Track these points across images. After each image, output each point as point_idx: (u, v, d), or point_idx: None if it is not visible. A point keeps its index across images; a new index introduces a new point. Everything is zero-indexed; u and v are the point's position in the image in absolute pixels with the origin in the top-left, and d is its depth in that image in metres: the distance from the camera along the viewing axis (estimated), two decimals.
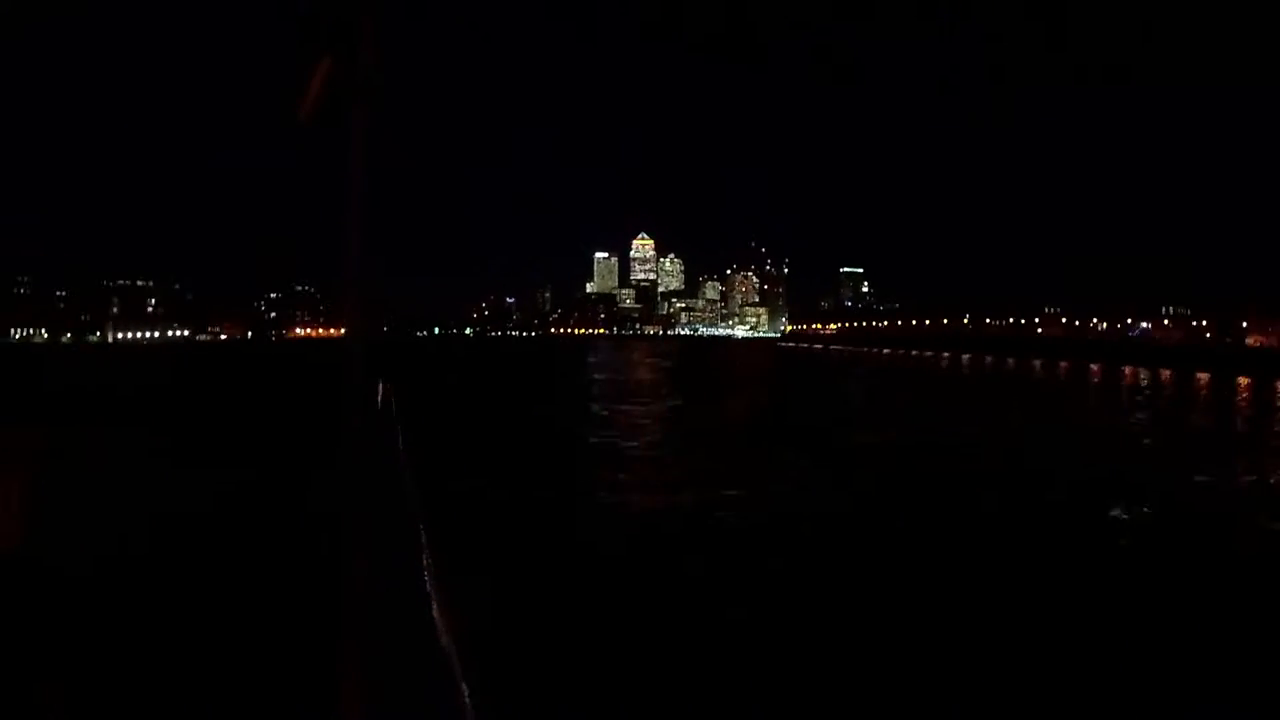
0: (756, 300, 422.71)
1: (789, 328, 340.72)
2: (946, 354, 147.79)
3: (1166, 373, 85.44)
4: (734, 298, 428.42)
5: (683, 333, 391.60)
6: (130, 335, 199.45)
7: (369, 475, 3.35)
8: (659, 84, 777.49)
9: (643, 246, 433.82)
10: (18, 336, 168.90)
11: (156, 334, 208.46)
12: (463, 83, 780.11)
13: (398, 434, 7.71)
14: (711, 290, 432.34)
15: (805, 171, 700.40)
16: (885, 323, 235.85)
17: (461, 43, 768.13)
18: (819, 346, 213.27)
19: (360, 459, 2.64)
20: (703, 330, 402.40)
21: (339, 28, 2.49)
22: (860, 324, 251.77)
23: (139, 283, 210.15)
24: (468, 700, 2.08)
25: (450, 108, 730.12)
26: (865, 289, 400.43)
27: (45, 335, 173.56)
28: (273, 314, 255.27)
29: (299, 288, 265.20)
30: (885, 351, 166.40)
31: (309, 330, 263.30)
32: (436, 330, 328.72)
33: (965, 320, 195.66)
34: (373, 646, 2.40)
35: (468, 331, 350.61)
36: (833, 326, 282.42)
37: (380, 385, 10.94)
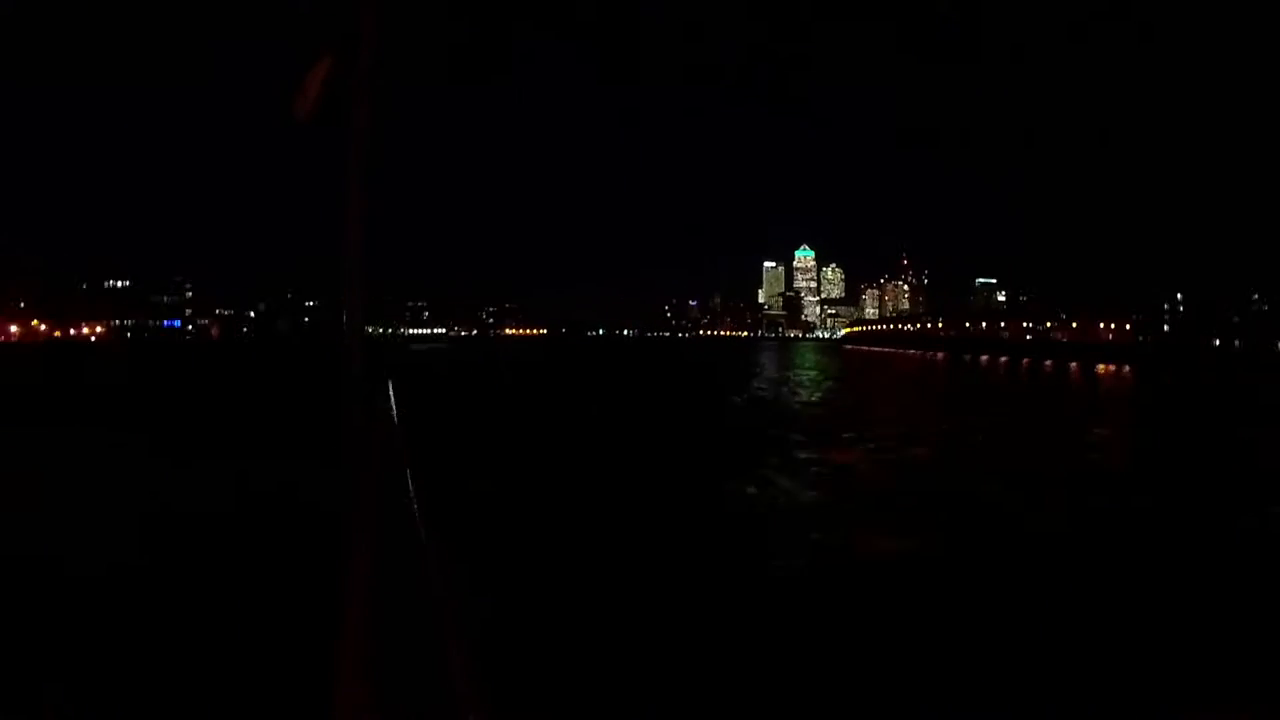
0: (906, 307, 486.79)
1: (847, 329, 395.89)
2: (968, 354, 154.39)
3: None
4: (886, 305, 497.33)
5: (822, 335, 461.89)
6: (412, 331, 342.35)
7: (373, 473, 3.19)
8: (827, 109, 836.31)
9: (804, 258, 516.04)
10: (372, 330, 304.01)
11: (428, 330, 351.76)
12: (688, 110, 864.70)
13: (400, 432, 7.81)
14: (870, 299, 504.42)
15: (955, 184, 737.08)
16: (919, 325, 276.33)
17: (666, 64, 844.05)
18: (846, 345, 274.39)
19: (361, 456, 2.44)
20: (839, 332, 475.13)
21: (339, 27, 2.36)
22: (900, 327, 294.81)
23: (418, 303, 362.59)
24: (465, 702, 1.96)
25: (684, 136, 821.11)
26: (1000, 298, 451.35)
27: (381, 331, 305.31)
28: (490, 320, 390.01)
29: (506, 304, 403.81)
30: (882, 350, 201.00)
31: (516, 330, 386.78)
32: (600, 331, 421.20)
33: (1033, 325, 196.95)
34: (371, 645, 2.21)
35: (625, 332, 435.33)
36: (853, 329, 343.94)
37: (389, 384, 10.66)
